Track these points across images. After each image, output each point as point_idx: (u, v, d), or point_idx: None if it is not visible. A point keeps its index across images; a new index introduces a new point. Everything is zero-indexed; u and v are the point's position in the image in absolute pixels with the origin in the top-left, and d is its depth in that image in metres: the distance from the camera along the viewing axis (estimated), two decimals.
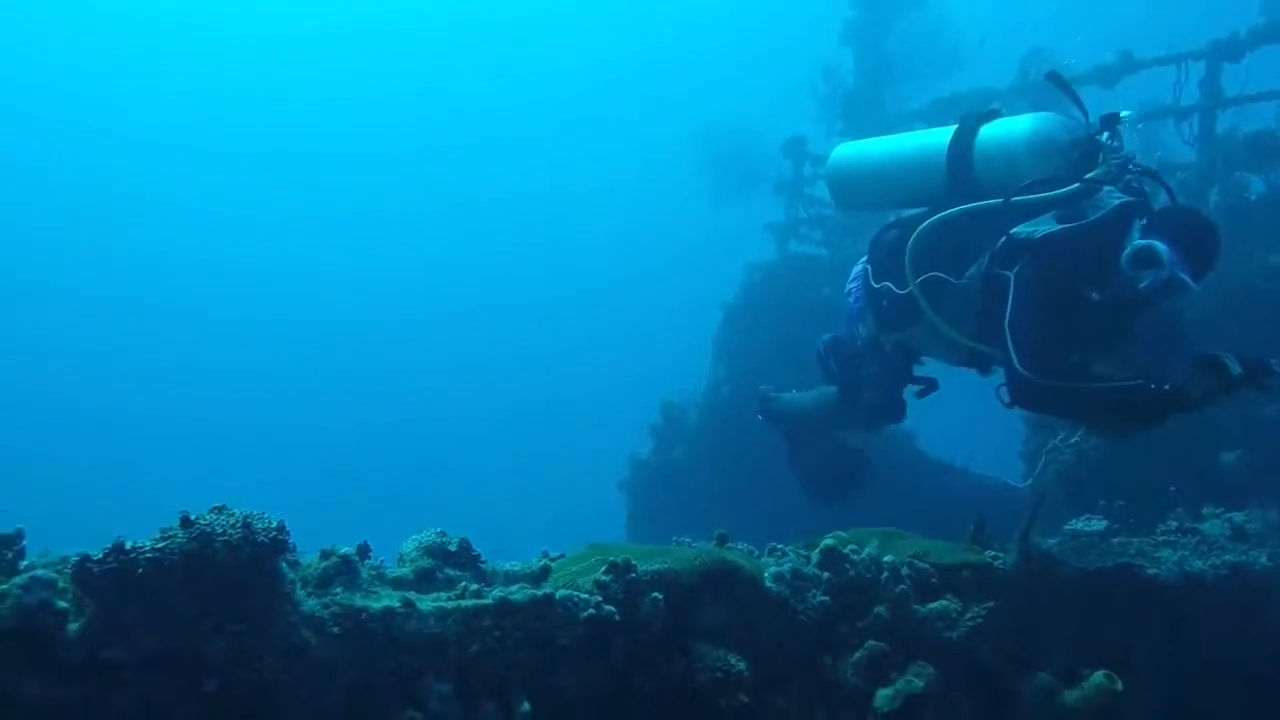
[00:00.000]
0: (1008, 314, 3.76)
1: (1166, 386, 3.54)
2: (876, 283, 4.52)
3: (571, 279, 42.64)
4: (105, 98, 44.88)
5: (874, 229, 7.96)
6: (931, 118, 8.90)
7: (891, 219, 4.82)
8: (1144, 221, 3.75)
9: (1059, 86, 4.13)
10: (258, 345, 41.31)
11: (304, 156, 45.87)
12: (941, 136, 4.39)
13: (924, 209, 4.54)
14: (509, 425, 37.11)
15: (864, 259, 4.83)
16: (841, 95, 9.52)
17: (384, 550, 3.14)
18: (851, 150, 4.89)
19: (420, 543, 3.08)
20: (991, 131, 4.26)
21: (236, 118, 46.08)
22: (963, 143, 4.26)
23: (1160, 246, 3.60)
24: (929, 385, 5.03)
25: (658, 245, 40.93)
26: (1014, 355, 3.70)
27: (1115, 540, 4.73)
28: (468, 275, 43.88)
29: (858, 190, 4.82)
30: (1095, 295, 3.74)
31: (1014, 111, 8.24)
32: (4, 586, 2.07)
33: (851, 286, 4.89)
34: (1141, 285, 3.65)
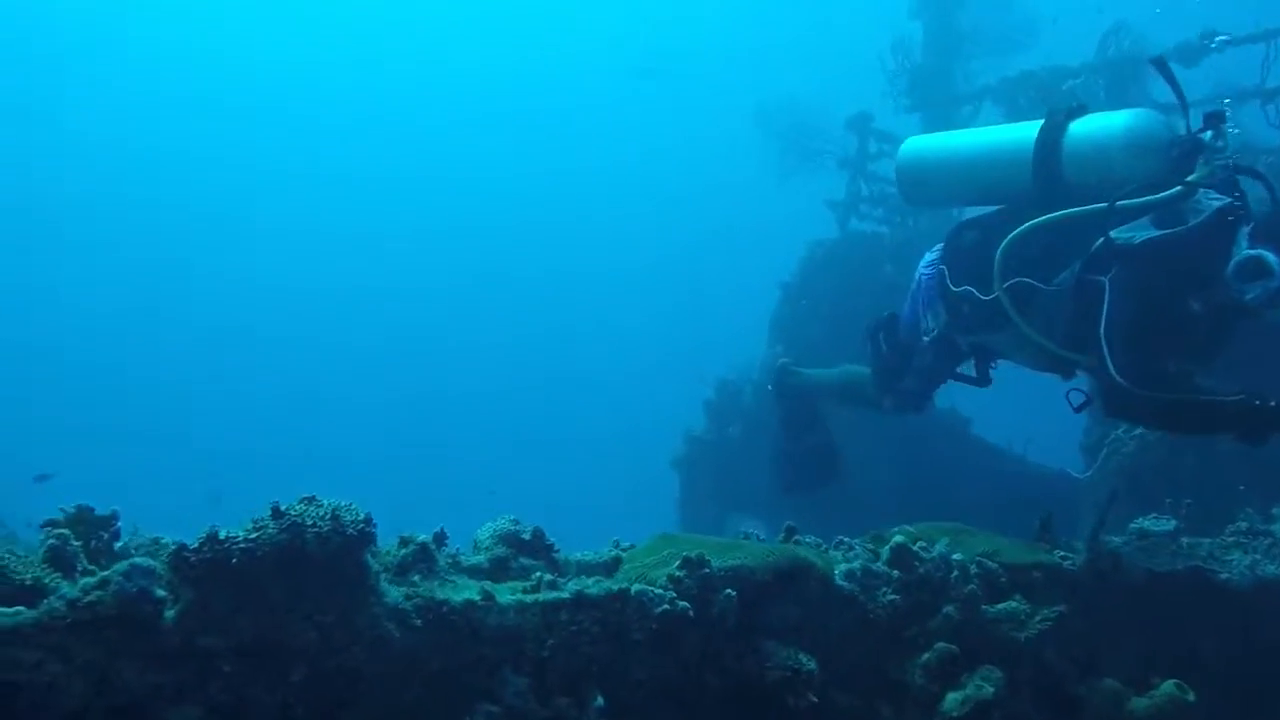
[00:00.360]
0: (1103, 321, 3.64)
1: (1272, 403, 3.42)
2: (955, 285, 4.38)
3: (629, 254, 42.50)
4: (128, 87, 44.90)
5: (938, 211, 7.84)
6: (1002, 95, 8.70)
7: (959, 215, 4.69)
8: (1249, 227, 3.60)
9: (1163, 76, 3.94)
10: (309, 324, 41.71)
11: (341, 133, 45.93)
12: (1026, 132, 4.19)
13: (997, 207, 4.41)
14: (562, 400, 37.29)
15: (936, 252, 4.69)
16: (909, 70, 9.30)
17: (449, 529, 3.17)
18: (925, 143, 4.71)
19: (495, 530, 3.10)
20: (1083, 128, 4.06)
21: (306, 85, 46.11)
22: (1051, 140, 4.07)
23: (1270, 257, 3.45)
24: (984, 384, 4.95)
25: (716, 221, 40.60)
26: (1110, 363, 3.58)
27: (1184, 541, 4.64)
28: (525, 249, 43.89)
29: (931, 185, 4.64)
30: (1196, 305, 3.61)
31: (1091, 91, 8.10)
32: (106, 573, 2.11)
33: (922, 276, 4.74)
34: (1248, 297, 3.51)
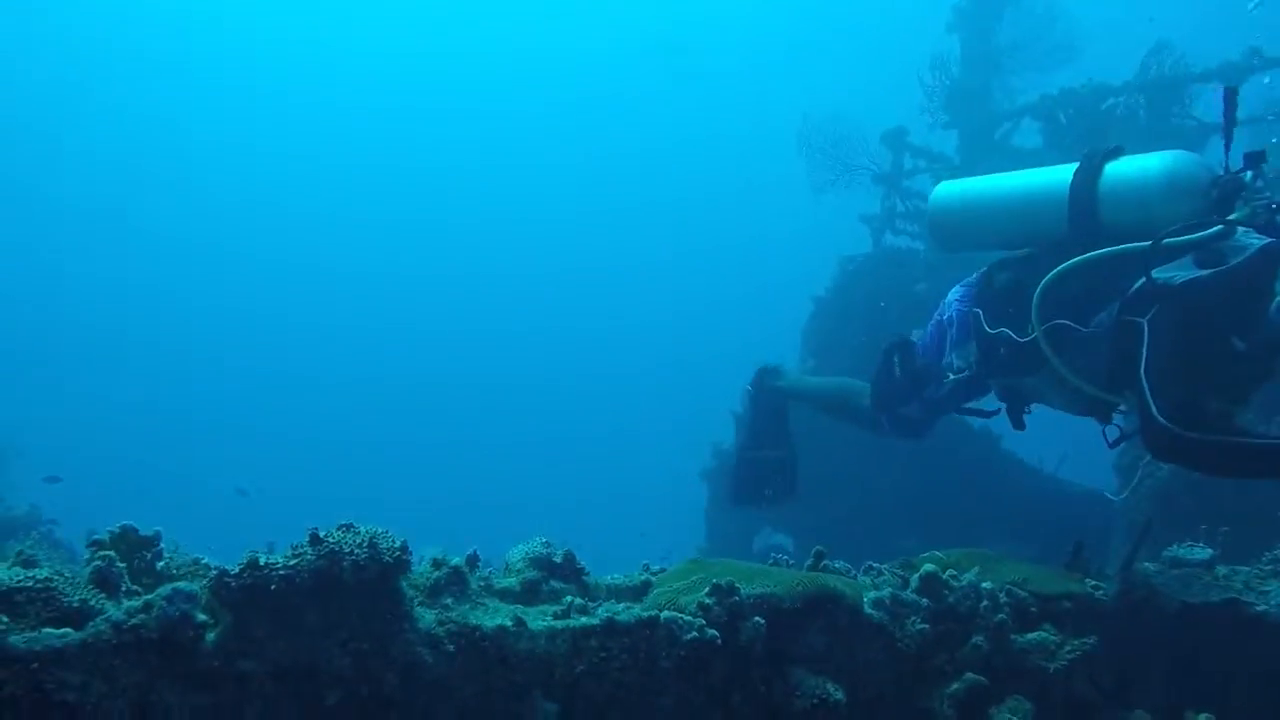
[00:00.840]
0: (1144, 362, 3.61)
1: None
2: (991, 329, 4.35)
3: (660, 262, 42.49)
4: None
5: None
6: (1041, 112, 8.63)
7: (992, 258, 4.65)
8: None
9: (1227, 108, 3.87)
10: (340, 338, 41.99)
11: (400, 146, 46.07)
12: (1061, 175, 4.16)
13: (1029, 250, 4.39)
14: (591, 411, 37.38)
15: (966, 288, 4.67)
16: (946, 86, 9.25)
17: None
18: (957, 188, 4.65)
19: (526, 553, 3.14)
20: (1120, 170, 4.02)
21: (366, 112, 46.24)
22: (1087, 183, 4.03)
23: None
24: (988, 415, 4.93)
25: (748, 233, 40.52)
26: (1152, 404, 3.55)
27: (1220, 570, 4.58)
28: (556, 255, 44.00)
29: (964, 231, 4.59)
30: (1240, 344, 3.57)
31: (1132, 110, 8.03)
32: (150, 596, 2.17)
33: (953, 313, 4.73)
34: None
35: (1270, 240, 3.56)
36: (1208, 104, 7.71)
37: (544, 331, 42.10)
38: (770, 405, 5.99)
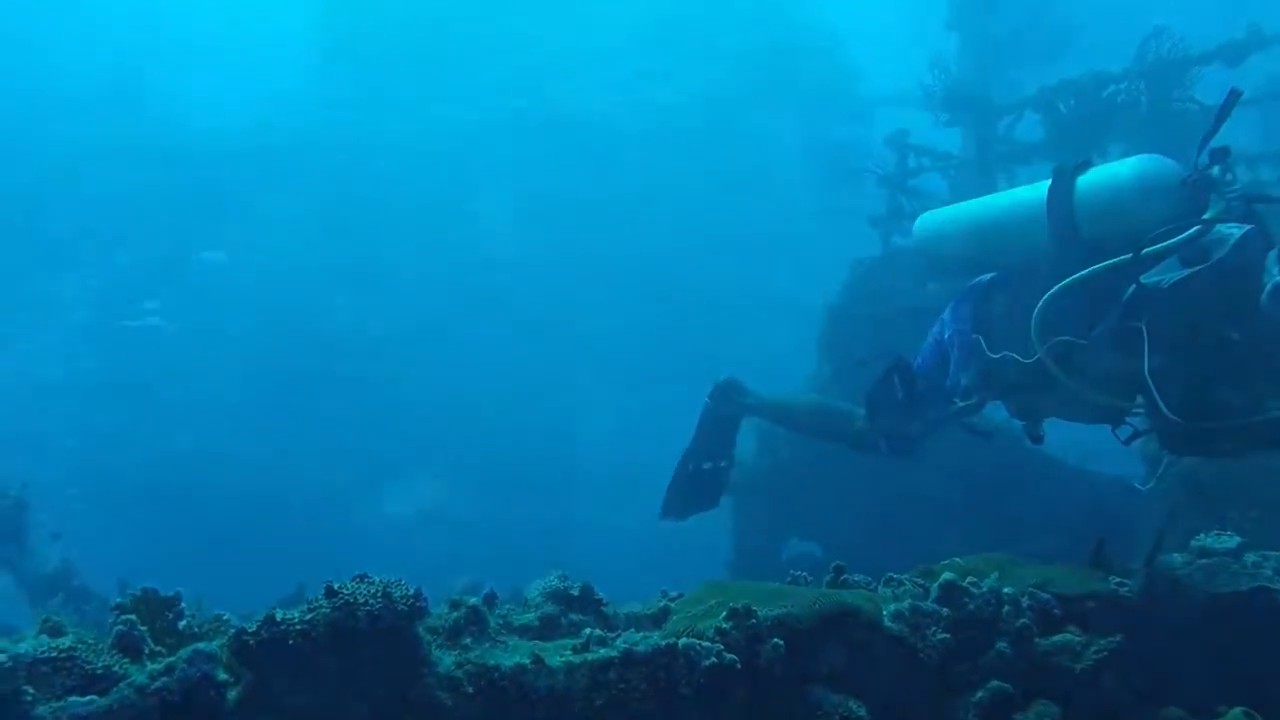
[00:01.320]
0: (1146, 364, 3.65)
1: None
2: (993, 352, 4.43)
3: (673, 269, 42.26)
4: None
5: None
6: (1041, 103, 8.60)
7: (980, 280, 4.74)
8: (1275, 251, 3.59)
9: (1224, 109, 3.88)
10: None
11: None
12: (1035, 194, 4.27)
13: (1008, 269, 4.50)
14: (610, 423, 37.16)
15: (959, 307, 4.75)
16: (945, 83, 9.24)
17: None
18: (940, 217, 4.81)
19: (544, 588, 3.18)
20: (1092, 182, 4.11)
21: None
22: (1061, 198, 4.12)
23: None
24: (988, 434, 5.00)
25: (758, 237, 40.28)
26: (1160, 403, 3.59)
27: (1249, 558, 4.54)
28: (563, 261, 43.87)
29: (950, 259, 4.75)
30: (1235, 335, 3.60)
31: (1133, 95, 7.99)
32: (171, 659, 2.22)
33: (951, 334, 4.79)
34: None
35: (1249, 227, 3.61)
36: (1209, 86, 7.67)
37: (551, 341, 41.94)
38: (725, 418, 6.07)
